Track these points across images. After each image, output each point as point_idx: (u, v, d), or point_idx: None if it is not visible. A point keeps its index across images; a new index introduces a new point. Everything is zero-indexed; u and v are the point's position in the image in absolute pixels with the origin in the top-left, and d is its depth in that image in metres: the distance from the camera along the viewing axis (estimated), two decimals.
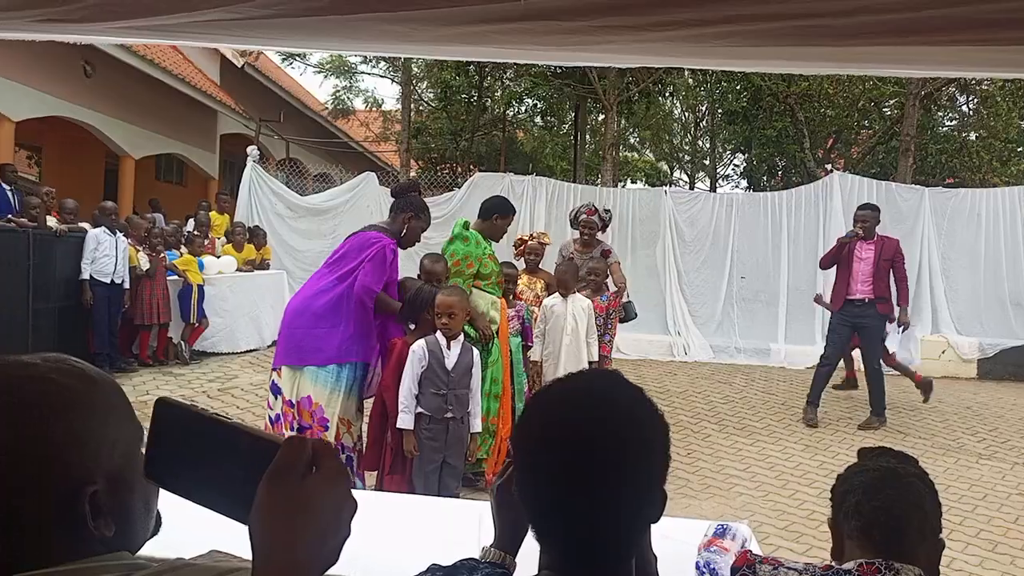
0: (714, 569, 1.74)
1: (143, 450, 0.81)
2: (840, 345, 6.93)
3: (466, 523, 2.02)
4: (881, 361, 6.83)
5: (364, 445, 4.07)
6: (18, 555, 0.76)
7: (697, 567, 1.78)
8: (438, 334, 3.85)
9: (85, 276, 7.16)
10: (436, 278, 4.22)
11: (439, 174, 15.33)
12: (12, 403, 0.79)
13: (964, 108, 18.74)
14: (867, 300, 6.65)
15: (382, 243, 3.99)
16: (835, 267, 6.87)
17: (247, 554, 0.73)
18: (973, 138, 18.05)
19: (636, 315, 6.22)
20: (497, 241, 4.87)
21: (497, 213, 4.82)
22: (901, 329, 7.00)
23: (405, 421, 3.75)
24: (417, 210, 4.23)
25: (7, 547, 0.76)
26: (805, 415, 6.82)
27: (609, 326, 5.67)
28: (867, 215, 6.76)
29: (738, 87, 18.22)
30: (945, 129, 18.74)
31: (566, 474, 0.93)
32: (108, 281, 7.25)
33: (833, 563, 1.50)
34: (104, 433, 0.83)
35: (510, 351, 5.08)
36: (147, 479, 0.81)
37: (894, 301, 6.84)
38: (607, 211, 6.55)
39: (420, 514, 2.24)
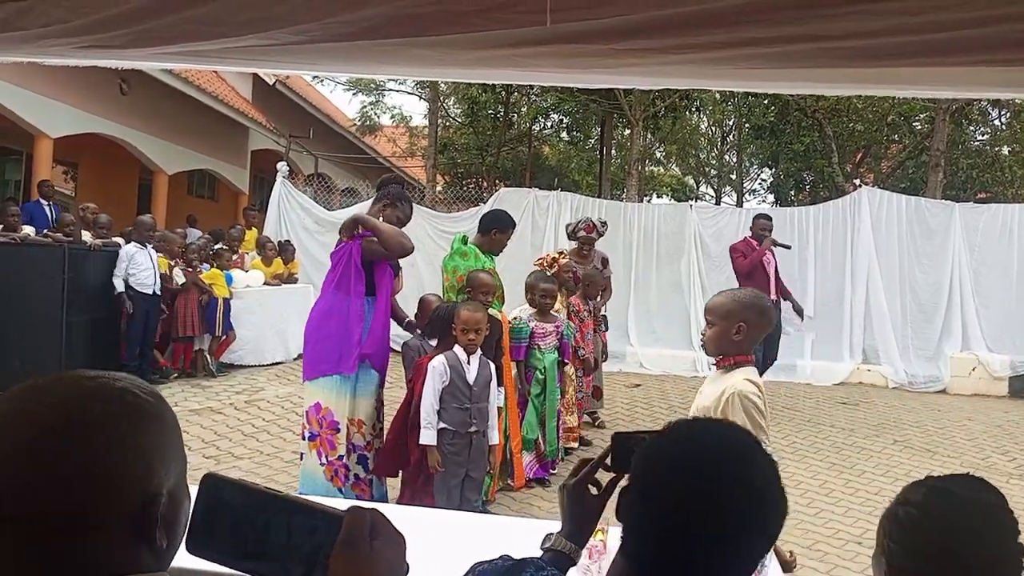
0: None
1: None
2: (761, 346, 7.53)
3: (492, 538, 2.04)
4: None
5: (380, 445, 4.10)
6: (84, 559, 0.79)
7: None
8: (457, 349, 3.87)
9: (120, 289, 7.31)
10: (484, 293, 4.30)
11: (465, 189, 15.43)
12: (109, 412, 0.82)
13: (996, 122, 18.49)
14: (774, 301, 7.17)
15: (346, 248, 4.06)
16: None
17: None
18: (1006, 152, 17.79)
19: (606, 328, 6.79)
20: (496, 255, 4.89)
21: (496, 227, 4.84)
22: (803, 316, 7.89)
23: (428, 437, 3.77)
24: (393, 199, 4.19)
25: (79, 550, 0.79)
26: None
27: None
28: (770, 224, 7.56)
29: (765, 101, 18.15)
30: (977, 143, 18.50)
31: (683, 518, 0.94)
32: (150, 292, 7.42)
33: None
34: (171, 450, 0.87)
35: (543, 367, 5.11)
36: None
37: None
38: (603, 223, 6.86)
39: (445, 529, 2.27)
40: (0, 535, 0.78)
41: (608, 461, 1.32)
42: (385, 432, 4.16)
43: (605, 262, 6.82)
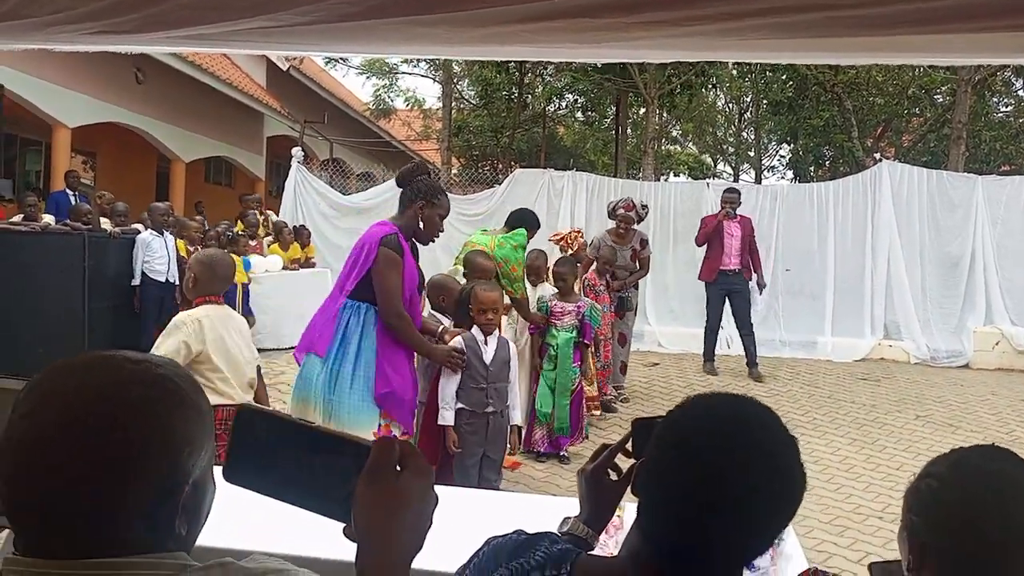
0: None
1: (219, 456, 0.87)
2: (719, 310, 7.98)
3: (507, 516, 2.05)
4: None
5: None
6: (105, 538, 0.80)
7: None
8: (475, 329, 3.88)
9: (136, 281, 7.39)
10: (486, 275, 4.29)
11: (480, 171, 15.42)
12: (147, 396, 0.83)
13: (1020, 92, 18.13)
14: (737, 270, 7.82)
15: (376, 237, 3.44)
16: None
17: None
18: None
19: (632, 308, 7.01)
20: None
21: (526, 227, 5.15)
22: (762, 291, 8.37)
23: (447, 418, 3.79)
24: (429, 196, 3.55)
25: (102, 529, 0.80)
26: (706, 368, 8.14)
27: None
28: (734, 198, 7.96)
29: (783, 76, 17.92)
30: (1000, 115, 18.16)
31: (701, 492, 0.93)
32: (163, 280, 7.49)
33: None
34: (202, 439, 0.88)
35: (557, 344, 5.19)
36: (227, 480, 0.86)
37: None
38: (644, 207, 6.99)
39: (461, 506, 2.28)
40: (28, 510, 0.79)
41: (628, 447, 1.32)
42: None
43: (644, 243, 6.94)
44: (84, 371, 0.84)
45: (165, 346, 3.05)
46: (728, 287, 7.86)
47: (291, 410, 3.41)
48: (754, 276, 8.00)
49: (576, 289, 5.63)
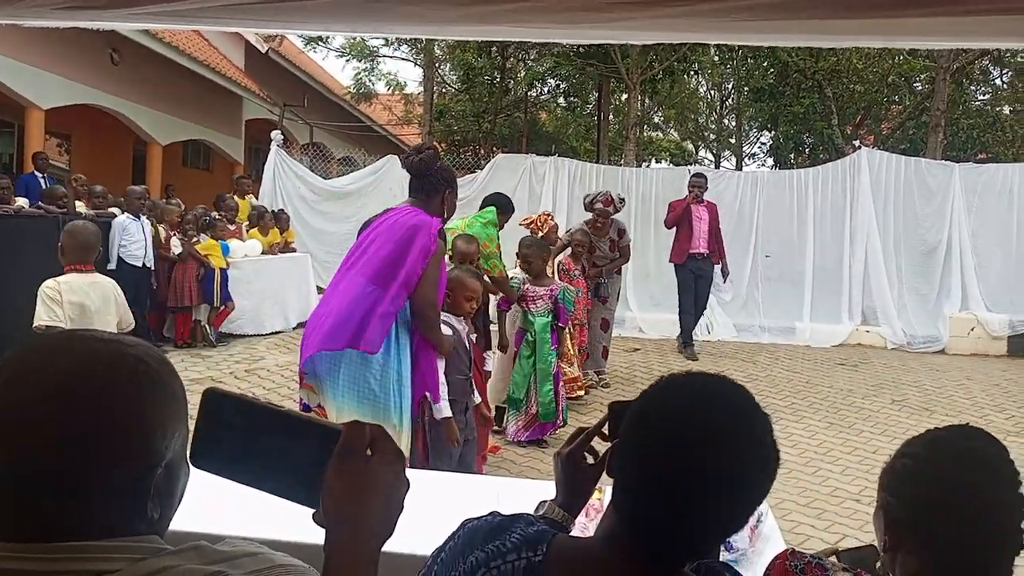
0: (728, 542, 1.75)
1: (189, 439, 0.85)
2: (691, 292, 8.08)
3: (486, 498, 2.05)
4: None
5: None
6: (77, 521, 0.78)
7: None
8: (457, 318, 3.83)
9: (112, 265, 7.29)
10: (470, 260, 4.26)
11: (462, 156, 15.34)
12: (117, 379, 0.81)
13: (997, 81, 18.31)
14: (705, 254, 7.99)
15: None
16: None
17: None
18: (1007, 111, 17.64)
19: (613, 294, 7.04)
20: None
21: (500, 211, 5.08)
22: (726, 279, 8.49)
23: (446, 409, 3.52)
24: (452, 182, 3.52)
25: (74, 511, 0.78)
26: (686, 353, 8.21)
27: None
28: (701, 182, 8.19)
29: (764, 64, 17.94)
30: (978, 103, 18.33)
31: (676, 468, 0.93)
32: (140, 265, 7.39)
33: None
34: (175, 422, 0.86)
35: (535, 330, 5.17)
36: (193, 465, 0.85)
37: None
38: (622, 200, 7.13)
39: (437, 490, 2.28)
40: (1, 482, 0.78)
41: (605, 430, 1.31)
42: None
43: (622, 232, 7.04)
44: (57, 351, 0.82)
45: (38, 316, 3.35)
46: (697, 270, 8.02)
47: (336, 415, 3.11)
48: (721, 263, 8.18)
49: (548, 273, 5.62)
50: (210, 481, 0.86)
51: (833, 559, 1.30)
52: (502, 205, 5.24)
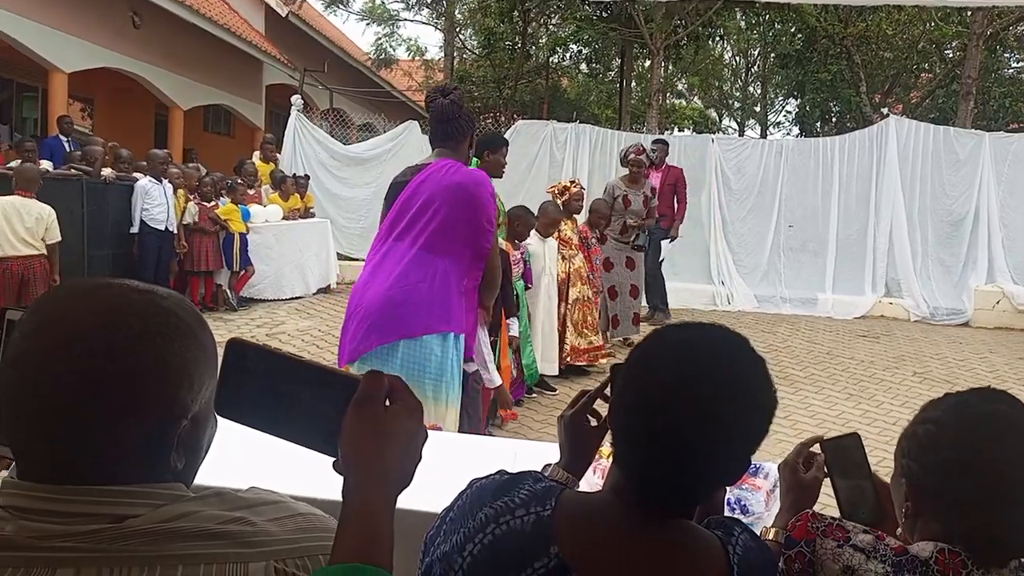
0: (745, 506, 1.75)
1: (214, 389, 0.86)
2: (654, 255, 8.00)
3: (503, 459, 2.06)
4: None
5: None
6: (100, 466, 0.80)
7: (728, 503, 1.79)
8: None
9: (135, 229, 7.35)
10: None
11: (482, 123, 15.19)
12: (148, 328, 0.81)
13: None
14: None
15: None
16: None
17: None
18: None
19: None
20: (499, 177, 4.10)
21: (486, 149, 4.13)
22: (670, 241, 8.25)
23: (496, 378, 3.52)
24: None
25: (98, 457, 0.79)
26: (657, 319, 7.95)
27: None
28: (659, 148, 8.18)
29: (792, 29, 17.58)
30: (1011, 71, 17.87)
31: (673, 415, 0.93)
32: (162, 228, 7.45)
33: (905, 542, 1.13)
34: (203, 376, 0.86)
35: (516, 294, 5.12)
36: (219, 414, 0.86)
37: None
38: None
39: (445, 450, 2.29)
40: (26, 431, 0.79)
41: (608, 392, 1.30)
42: None
43: (654, 191, 7.20)
44: (88, 296, 0.82)
45: None
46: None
47: (433, 417, 2.93)
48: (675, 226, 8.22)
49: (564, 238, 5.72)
50: (233, 436, 0.86)
51: (817, 448, 1.35)
52: (483, 144, 4.17)
